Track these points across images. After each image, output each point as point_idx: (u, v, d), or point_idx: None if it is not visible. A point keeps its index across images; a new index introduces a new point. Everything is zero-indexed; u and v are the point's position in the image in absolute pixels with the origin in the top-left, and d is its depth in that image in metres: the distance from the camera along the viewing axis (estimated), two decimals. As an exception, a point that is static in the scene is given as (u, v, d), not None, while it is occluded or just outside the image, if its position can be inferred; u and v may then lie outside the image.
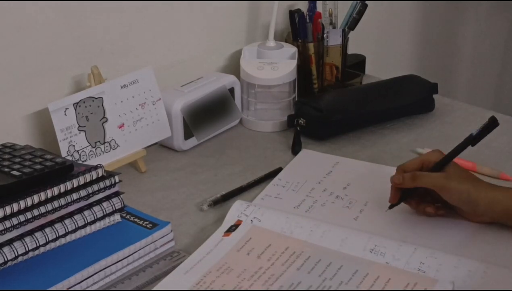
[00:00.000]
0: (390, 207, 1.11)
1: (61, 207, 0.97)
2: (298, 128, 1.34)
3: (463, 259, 0.98)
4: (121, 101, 1.24)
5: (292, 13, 1.49)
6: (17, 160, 1.01)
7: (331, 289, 0.95)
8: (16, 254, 0.93)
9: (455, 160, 1.09)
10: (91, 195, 1.01)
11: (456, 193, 1.05)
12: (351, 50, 1.56)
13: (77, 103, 1.19)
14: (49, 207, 0.96)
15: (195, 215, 1.15)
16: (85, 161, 1.20)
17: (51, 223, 0.97)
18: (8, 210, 0.92)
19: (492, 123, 1.08)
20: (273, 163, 1.29)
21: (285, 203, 1.16)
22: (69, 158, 1.17)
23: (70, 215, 0.99)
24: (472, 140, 1.08)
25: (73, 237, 1.00)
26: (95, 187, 1.01)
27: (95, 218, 1.01)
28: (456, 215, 1.09)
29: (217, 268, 1.00)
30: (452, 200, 1.06)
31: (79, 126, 1.19)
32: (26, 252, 0.94)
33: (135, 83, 1.25)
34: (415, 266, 0.98)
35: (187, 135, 1.33)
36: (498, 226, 1.07)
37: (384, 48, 1.94)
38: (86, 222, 1.00)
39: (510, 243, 1.05)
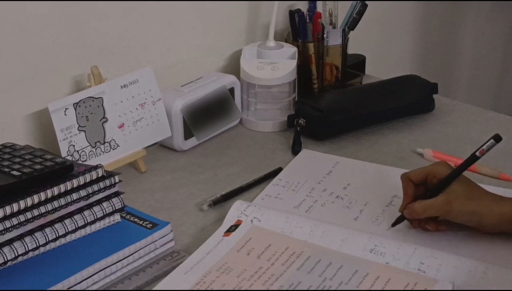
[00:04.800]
0: (393, 225, 1.09)
1: (61, 207, 0.97)
2: (298, 128, 1.34)
3: (463, 259, 0.98)
4: (121, 101, 1.24)
5: (292, 13, 1.49)
6: (17, 160, 1.01)
7: (331, 289, 0.95)
8: (16, 254, 0.93)
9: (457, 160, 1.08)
10: (91, 195, 1.01)
11: (459, 215, 1.04)
12: (351, 50, 1.56)
13: (77, 103, 1.19)
14: (49, 207, 0.96)
15: (195, 215, 1.15)
16: (85, 161, 1.20)
17: (51, 223, 0.97)
18: (8, 210, 0.92)
19: (496, 141, 1.06)
20: (273, 163, 1.29)
21: (285, 203, 1.16)
22: (69, 158, 1.17)
23: (70, 215, 0.99)
24: (476, 159, 1.06)
25: (73, 237, 1.00)
26: (95, 187, 1.01)
27: (95, 218, 1.01)
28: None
29: (217, 268, 0.99)
30: (457, 221, 1.05)
31: (79, 126, 1.19)
32: (26, 252, 0.94)
33: (135, 83, 1.25)
34: (415, 266, 0.98)
35: (187, 135, 1.33)
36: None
37: (384, 48, 1.94)
38: (86, 222, 1.00)
39: (510, 243, 1.05)
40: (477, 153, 1.05)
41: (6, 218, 0.92)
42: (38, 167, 0.98)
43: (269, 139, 1.39)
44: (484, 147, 1.05)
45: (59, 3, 1.24)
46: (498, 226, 1.04)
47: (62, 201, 0.97)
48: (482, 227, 1.05)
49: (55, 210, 0.97)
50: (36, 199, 0.94)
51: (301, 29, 1.48)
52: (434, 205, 1.04)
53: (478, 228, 1.05)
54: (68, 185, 0.98)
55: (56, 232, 0.97)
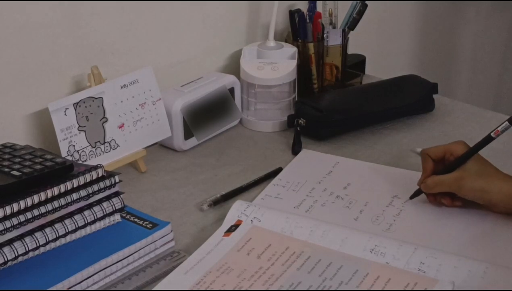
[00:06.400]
0: (412, 197, 1.14)
1: (61, 207, 0.97)
2: (298, 128, 1.34)
3: (463, 259, 0.98)
4: (121, 101, 1.24)
5: (292, 13, 1.49)
6: (17, 160, 1.01)
7: (331, 289, 0.95)
8: (16, 254, 0.93)
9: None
10: (91, 195, 1.01)
11: (470, 191, 1.07)
12: (351, 50, 1.56)
13: (77, 103, 1.19)
14: (49, 207, 0.96)
15: (195, 215, 1.15)
16: (85, 161, 1.20)
17: (51, 223, 0.97)
18: (8, 210, 0.92)
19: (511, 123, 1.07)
20: (273, 163, 1.29)
21: (285, 203, 1.16)
22: (69, 158, 1.17)
23: (70, 215, 0.99)
24: (490, 139, 1.09)
25: (73, 237, 1.00)
26: (95, 187, 1.01)
27: (95, 218, 1.01)
28: (457, 214, 1.10)
29: (217, 268, 1.00)
30: (467, 197, 1.09)
31: (79, 126, 1.19)
32: (26, 252, 0.94)
33: (135, 83, 1.25)
34: (415, 266, 0.98)
35: (187, 135, 1.33)
36: (499, 225, 1.07)
37: (384, 48, 1.94)
38: (86, 222, 1.00)
39: (510, 243, 1.05)
40: (492, 134, 1.08)
41: (6, 218, 0.92)
42: (38, 167, 0.98)
43: (269, 139, 1.39)
44: (499, 128, 1.08)
45: (59, 3, 1.24)
46: (507, 205, 1.06)
47: (62, 201, 0.97)
48: (492, 206, 1.08)
49: (55, 210, 0.97)
50: (36, 199, 0.94)
51: (301, 29, 1.48)
52: (446, 180, 1.09)
53: (489, 206, 1.08)
54: (68, 185, 0.98)
55: (56, 232, 0.97)
